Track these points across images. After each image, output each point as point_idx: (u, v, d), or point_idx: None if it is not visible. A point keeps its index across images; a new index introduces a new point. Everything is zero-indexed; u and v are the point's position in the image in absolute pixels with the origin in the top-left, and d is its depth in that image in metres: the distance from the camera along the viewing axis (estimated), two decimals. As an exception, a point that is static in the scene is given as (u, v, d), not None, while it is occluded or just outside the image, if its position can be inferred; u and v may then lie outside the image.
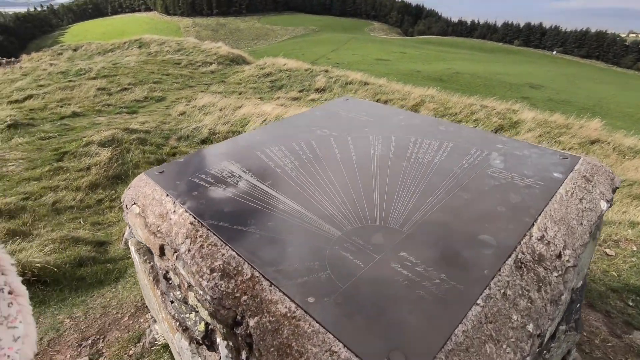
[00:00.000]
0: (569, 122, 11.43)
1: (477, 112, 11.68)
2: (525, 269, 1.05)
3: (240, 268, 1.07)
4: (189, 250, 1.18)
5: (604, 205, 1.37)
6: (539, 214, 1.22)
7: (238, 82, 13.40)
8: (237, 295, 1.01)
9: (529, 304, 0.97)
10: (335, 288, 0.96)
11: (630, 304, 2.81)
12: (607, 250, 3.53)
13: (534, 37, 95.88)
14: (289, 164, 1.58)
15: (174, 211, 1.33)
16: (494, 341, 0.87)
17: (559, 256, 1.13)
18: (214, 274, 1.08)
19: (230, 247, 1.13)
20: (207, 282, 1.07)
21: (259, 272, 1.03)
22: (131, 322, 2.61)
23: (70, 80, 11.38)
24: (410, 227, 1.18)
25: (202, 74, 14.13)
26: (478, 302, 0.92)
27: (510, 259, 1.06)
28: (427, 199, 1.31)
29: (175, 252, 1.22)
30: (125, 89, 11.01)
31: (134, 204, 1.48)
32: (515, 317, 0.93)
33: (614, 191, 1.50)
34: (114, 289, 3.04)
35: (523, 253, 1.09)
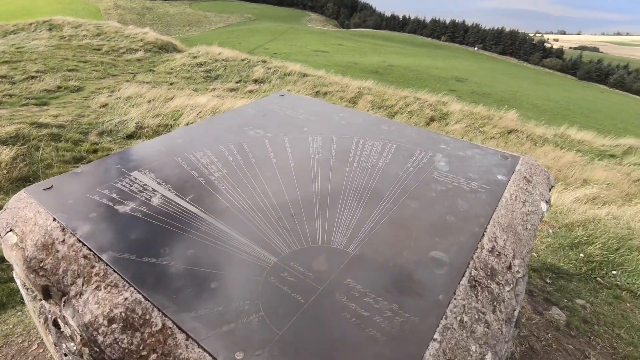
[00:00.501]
0: (490, 113, 12.42)
1: (412, 104, 12.16)
2: (479, 288, 0.97)
3: (148, 316, 0.83)
4: (81, 294, 0.91)
5: (544, 206, 1.36)
6: (488, 222, 1.15)
7: (169, 71, 12.38)
8: (144, 354, 0.79)
9: (486, 329, 0.88)
10: (270, 335, 0.78)
11: (548, 281, 3.04)
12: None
13: (458, 33, 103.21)
14: (216, 172, 1.35)
15: (63, 241, 1.04)
16: (454, 382, 0.77)
17: (510, 267, 1.07)
18: (113, 326, 0.83)
19: (135, 289, 0.88)
20: (104, 337, 0.82)
21: (172, 322, 0.81)
22: (41, 350, 2.18)
23: (-43, 67, 9.60)
24: (356, 246, 1.04)
25: (127, 61, 12.81)
26: (435, 336, 0.81)
27: (464, 278, 0.96)
28: (373, 211, 1.18)
29: (64, 295, 0.95)
30: (33, 77, 9.54)
31: (10, 230, 1.15)
32: (473, 347, 0.83)
33: (550, 190, 1.51)
34: (19, 313, 2.55)
35: (476, 269, 1.01)
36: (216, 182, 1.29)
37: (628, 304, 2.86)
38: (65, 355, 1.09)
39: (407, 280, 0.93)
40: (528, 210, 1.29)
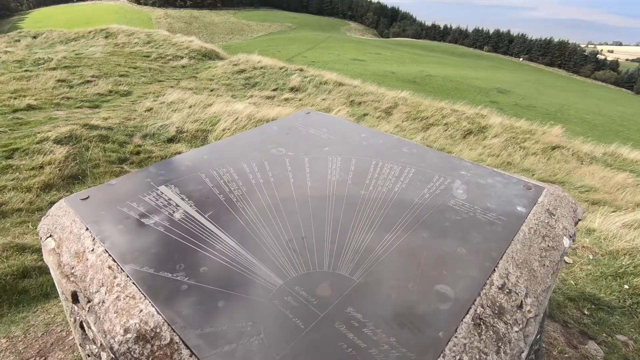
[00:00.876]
0: (532, 128, 11.86)
1: (448, 116, 11.89)
2: (484, 327, 0.95)
3: (158, 330, 0.90)
4: (103, 302, 1.00)
5: (566, 242, 1.30)
6: (501, 257, 1.12)
7: (210, 78, 12.95)
8: (152, 365, 0.85)
9: (486, 371, 0.87)
10: (268, 359, 0.82)
11: (586, 312, 2.85)
12: (566, 258, 3.60)
13: (502, 43, 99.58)
14: (236, 190, 1.41)
15: (92, 250, 1.14)
16: None
17: (520, 306, 1.04)
18: (128, 336, 0.90)
19: (150, 302, 0.95)
20: (119, 345, 0.90)
21: (179, 337, 0.87)
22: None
23: (26, 70, 10.60)
24: (361, 274, 1.05)
25: (173, 68, 13.56)
26: (430, 375, 0.81)
27: (468, 315, 0.95)
28: (383, 237, 1.19)
29: (89, 302, 1.04)
30: (88, 81, 10.36)
31: (50, 236, 1.27)
32: (471, 390, 0.82)
33: (576, 224, 1.44)
34: (60, 303, 2.76)
35: (482, 307, 0.99)
36: (235, 200, 1.36)
37: (675, 344, 2.62)
38: (89, 356, 1.19)
39: (408, 314, 0.93)
40: (547, 246, 1.24)
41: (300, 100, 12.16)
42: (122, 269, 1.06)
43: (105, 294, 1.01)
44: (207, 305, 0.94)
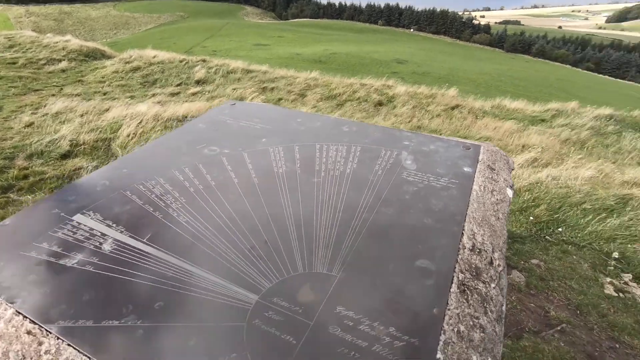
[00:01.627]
0: (433, 92, 12.93)
1: (358, 90, 12.31)
2: (468, 292, 0.95)
3: (119, 395, 0.72)
4: (31, 381, 0.77)
5: (510, 192, 1.39)
6: (464, 220, 1.15)
7: (100, 80, 11.41)
8: None
9: (482, 334, 0.87)
10: (266, 392, 0.71)
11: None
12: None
13: (393, 16, 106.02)
14: (173, 202, 1.22)
15: (-2, 316, 0.87)
16: (463, 401, 0.74)
17: (491, 263, 1.07)
18: (78, 414, 0.71)
19: (98, 363, 0.76)
20: None
21: (150, 397, 0.71)
22: None
23: None
24: (339, 267, 0.98)
25: (50, 74, 11.62)
26: (438, 356, 0.78)
27: (453, 285, 0.94)
28: (350, 223, 1.13)
29: (9, 384, 0.79)
30: None
31: None
32: (475, 357, 0.82)
33: (510, 173, 1.55)
34: None
35: (462, 272, 1.00)
36: (175, 214, 1.17)
37: (574, 256, 3.12)
38: None
39: (398, 298, 0.89)
40: (497, 200, 1.30)
41: (209, 92, 11.44)
42: (47, 330, 0.83)
43: (31, 368, 0.78)
44: (176, 348, 0.78)
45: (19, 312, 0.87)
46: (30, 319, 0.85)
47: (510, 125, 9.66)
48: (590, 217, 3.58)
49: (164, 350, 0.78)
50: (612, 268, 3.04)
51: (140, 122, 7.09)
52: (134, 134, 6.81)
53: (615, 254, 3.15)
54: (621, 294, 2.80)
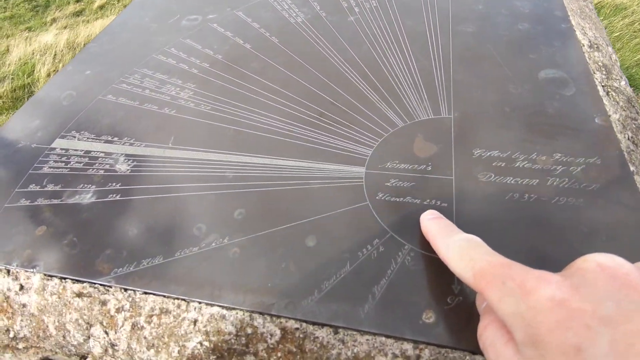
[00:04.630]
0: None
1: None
2: (612, 94, 0.75)
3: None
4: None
5: (586, -20, 1.11)
6: (567, 14, 0.89)
7: (-25, 18, 9.12)
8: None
9: (646, 135, 0.70)
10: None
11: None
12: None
13: None
14: (180, 92, 0.87)
15: (21, 288, 0.61)
16: None
17: (611, 58, 0.86)
18: None
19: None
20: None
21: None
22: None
23: None
24: (446, 107, 0.73)
25: None
26: (632, 169, 0.60)
27: (598, 88, 0.73)
28: (429, 54, 0.84)
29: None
30: None
31: None
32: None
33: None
34: None
35: (595, 72, 0.78)
36: (191, 104, 0.84)
37: None
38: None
39: (543, 119, 0.68)
40: (580, -12, 1.03)
41: (119, 1, 9.49)
42: (104, 285, 0.58)
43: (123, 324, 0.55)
44: (297, 251, 0.56)
45: (50, 276, 0.60)
46: (72, 279, 0.59)
47: None
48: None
49: (282, 257, 0.56)
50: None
51: (55, 56, 5.89)
52: (53, 71, 5.70)
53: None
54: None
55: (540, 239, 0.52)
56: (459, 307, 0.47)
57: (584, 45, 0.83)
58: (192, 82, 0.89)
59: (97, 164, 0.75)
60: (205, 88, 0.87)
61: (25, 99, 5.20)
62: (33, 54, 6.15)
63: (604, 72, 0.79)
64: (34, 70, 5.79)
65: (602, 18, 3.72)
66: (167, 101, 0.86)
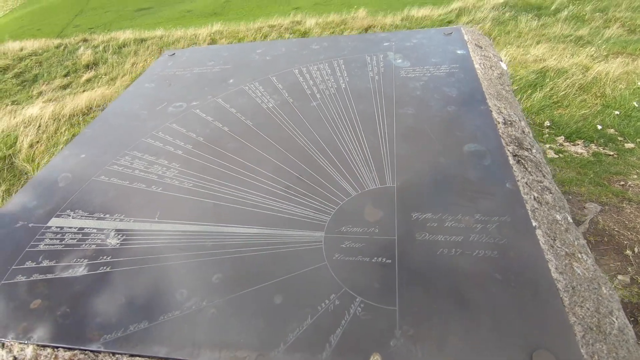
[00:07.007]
0: (343, 18, 12.57)
1: (270, 33, 11.58)
2: (522, 160, 0.93)
3: None
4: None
5: (504, 65, 1.37)
6: (485, 98, 1.10)
7: (-40, 93, 9.34)
8: None
9: (550, 195, 0.86)
10: (391, 323, 0.63)
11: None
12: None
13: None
14: (166, 171, 1.00)
15: (15, 359, 0.66)
16: (569, 256, 0.73)
17: (523, 131, 1.05)
18: None
19: (183, 361, 0.62)
20: None
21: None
22: None
23: None
24: (390, 177, 0.89)
25: None
26: (533, 224, 0.75)
27: (509, 158, 0.91)
28: (377, 133, 1.02)
29: None
30: None
31: None
32: (558, 216, 0.81)
33: (493, 48, 1.53)
34: None
35: (508, 145, 0.96)
36: (175, 182, 0.97)
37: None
38: None
39: (466, 186, 0.83)
40: (498, 74, 1.27)
41: (106, 74, 9.96)
42: (94, 351, 0.65)
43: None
44: (261, 310, 0.66)
45: (43, 346, 0.67)
46: (63, 347, 0.66)
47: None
48: (519, 96, 3.85)
49: (253, 314, 0.65)
50: (547, 135, 3.36)
51: (39, 127, 6.05)
52: (37, 142, 5.81)
53: (547, 122, 3.48)
54: (560, 154, 3.13)
55: (463, 285, 0.64)
56: (400, 350, 0.57)
57: (499, 123, 1.03)
58: (176, 162, 1.03)
59: (89, 240, 0.84)
60: (188, 167, 1.01)
61: (5, 171, 5.23)
62: (16, 126, 6.28)
63: (516, 144, 0.97)
64: (16, 142, 5.88)
65: (547, 80, 4.23)
66: (154, 180, 0.98)
